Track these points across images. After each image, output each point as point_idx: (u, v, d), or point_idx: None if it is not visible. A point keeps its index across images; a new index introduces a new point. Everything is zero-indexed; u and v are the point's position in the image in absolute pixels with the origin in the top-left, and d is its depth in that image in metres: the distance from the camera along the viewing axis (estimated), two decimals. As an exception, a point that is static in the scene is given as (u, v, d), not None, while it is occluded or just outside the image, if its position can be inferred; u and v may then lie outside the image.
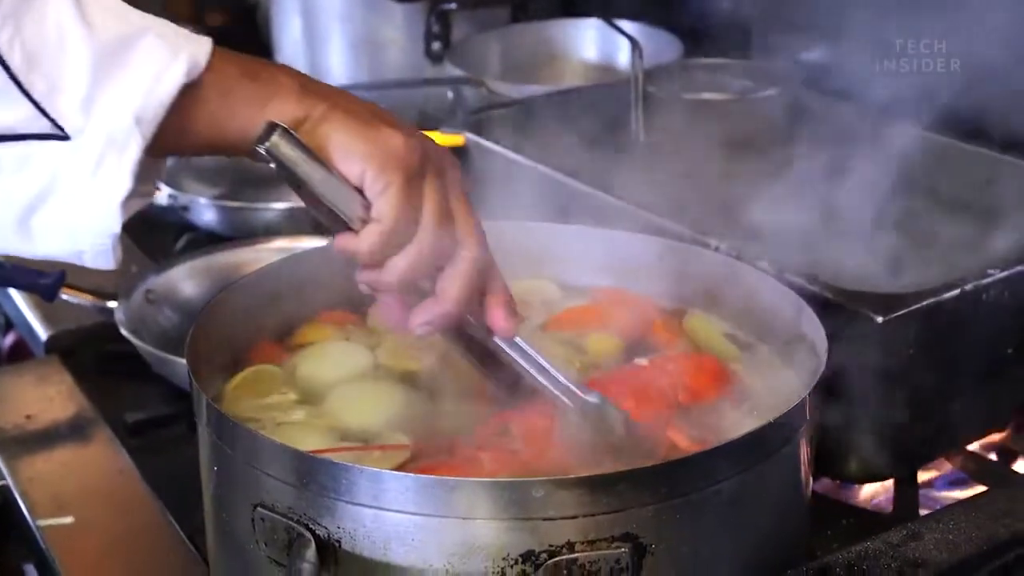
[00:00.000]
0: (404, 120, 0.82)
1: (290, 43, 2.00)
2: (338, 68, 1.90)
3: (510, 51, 1.88)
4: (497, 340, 0.84)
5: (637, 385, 0.90)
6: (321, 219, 0.80)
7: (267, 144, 0.76)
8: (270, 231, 1.50)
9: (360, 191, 0.78)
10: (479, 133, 1.36)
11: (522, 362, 0.85)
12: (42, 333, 1.37)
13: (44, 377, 1.29)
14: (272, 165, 0.77)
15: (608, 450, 0.82)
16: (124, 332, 1.25)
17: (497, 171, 1.31)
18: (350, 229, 0.79)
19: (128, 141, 0.74)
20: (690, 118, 1.36)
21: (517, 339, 0.84)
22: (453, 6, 1.84)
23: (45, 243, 0.78)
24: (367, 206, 0.78)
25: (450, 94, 1.71)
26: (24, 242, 0.77)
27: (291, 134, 0.76)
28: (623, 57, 1.78)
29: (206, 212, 1.56)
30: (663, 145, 1.36)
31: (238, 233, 1.53)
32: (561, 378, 0.85)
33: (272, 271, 1.01)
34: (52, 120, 0.74)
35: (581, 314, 1.01)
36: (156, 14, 2.34)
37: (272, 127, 0.76)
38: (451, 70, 1.75)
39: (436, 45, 1.82)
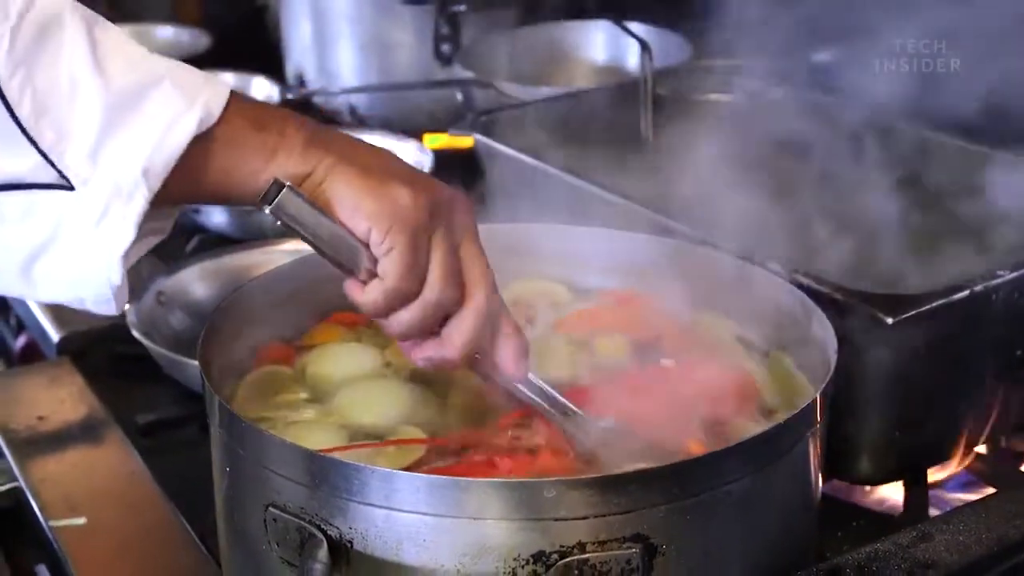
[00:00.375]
0: (414, 169, 0.82)
1: (299, 45, 2.01)
2: (347, 70, 1.91)
3: (519, 53, 1.89)
4: (506, 381, 0.85)
5: (660, 392, 0.90)
6: (331, 264, 0.80)
7: (272, 205, 0.75)
8: (279, 233, 1.51)
9: (367, 245, 0.78)
10: (488, 135, 1.36)
11: (534, 397, 0.86)
12: (54, 335, 1.37)
13: (56, 379, 1.30)
14: (278, 223, 0.77)
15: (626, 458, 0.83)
16: (136, 334, 1.25)
17: (506, 173, 1.31)
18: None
19: (134, 192, 0.73)
20: (699, 119, 1.36)
21: (530, 375, 0.85)
22: (462, 8, 1.85)
23: (47, 290, 0.77)
24: (374, 260, 0.78)
25: (459, 96, 1.72)
26: (26, 287, 0.77)
27: (296, 192, 0.76)
28: (632, 59, 1.78)
29: (216, 214, 1.57)
30: (672, 146, 1.36)
31: (248, 235, 1.53)
32: (571, 407, 0.86)
33: (282, 273, 1.01)
34: (59, 171, 0.72)
35: (591, 316, 1.01)
36: (164, 18, 2.35)
37: (278, 186, 0.75)
38: (460, 72, 1.75)
39: (445, 47, 1.83)
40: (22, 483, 1.13)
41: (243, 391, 0.93)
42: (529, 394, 0.86)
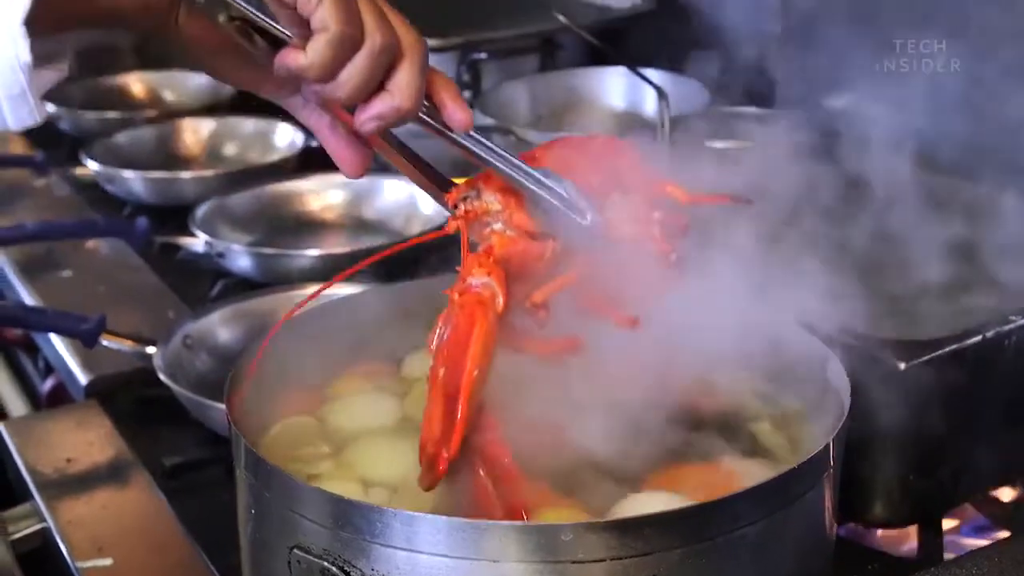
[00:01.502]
0: None
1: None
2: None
3: (538, 99, 1.92)
4: (455, 135, 0.82)
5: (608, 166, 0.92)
6: (261, 57, 0.78)
7: None
8: (304, 277, 1.54)
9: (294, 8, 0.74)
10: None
11: (481, 153, 0.83)
12: (82, 378, 1.40)
13: (84, 421, 1.32)
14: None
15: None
16: (162, 377, 1.28)
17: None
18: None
19: None
20: (716, 166, 1.38)
21: (472, 132, 0.83)
22: (483, 56, 1.88)
23: None
24: (305, 24, 0.75)
25: (480, 142, 1.74)
26: None
27: None
28: (650, 105, 1.81)
29: (241, 258, 1.60)
30: (688, 191, 1.38)
31: (272, 279, 1.56)
32: (522, 165, 0.85)
33: (307, 319, 1.03)
34: None
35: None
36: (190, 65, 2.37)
37: None
38: (480, 118, 1.78)
39: (466, 94, 1.86)
40: (50, 524, 1.16)
41: (267, 442, 0.95)
42: (476, 150, 0.83)
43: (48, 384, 1.60)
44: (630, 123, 1.83)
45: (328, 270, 1.55)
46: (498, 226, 0.86)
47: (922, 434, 1.01)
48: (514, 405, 0.96)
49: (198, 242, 1.63)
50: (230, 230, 1.71)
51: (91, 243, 1.76)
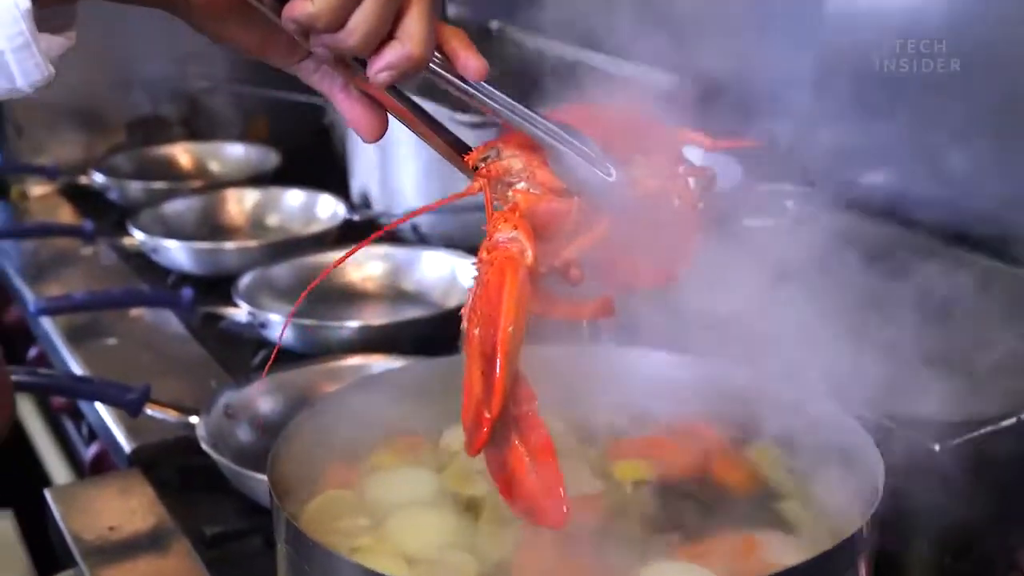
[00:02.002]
0: None
1: (364, 164, 2.08)
2: (411, 191, 1.97)
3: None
4: (468, 85, 0.79)
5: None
6: (268, 15, 0.75)
7: None
8: (343, 348, 1.56)
9: None
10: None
11: (499, 106, 0.81)
12: (126, 446, 1.42)
13: (127, 489, 1.35)
14: None
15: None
16: (204, 447, 1.30)
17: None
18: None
19: None
20: (749, 242, 1.40)
21: (487, 84, 0.80)
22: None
23: None
24: None
25: (518, 216, 1.76)
26: None
27: None
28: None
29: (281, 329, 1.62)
30: (722, 268, 1.39)
31: (313, 350, 1.58)
32: (537, 117, 0.82)
33: (348, 394, 1.06)
34: None
35: (642, 445, 1.04)
36: (236, 136, 2.45)
37: None
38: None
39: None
40: (93, 592, 1.17)
41: (307, 515, 0.96)
42: (489, 101, 0.80)
43: (92, 451, 1.63)
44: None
45: (367, 342, 1.57)
46: (521, 185, 0.83)
47: (957, 516, 1.01)
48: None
49: (241, 312, 1.66)
50: (272, 300, 1.74)
51: (136, 311, 1.80)
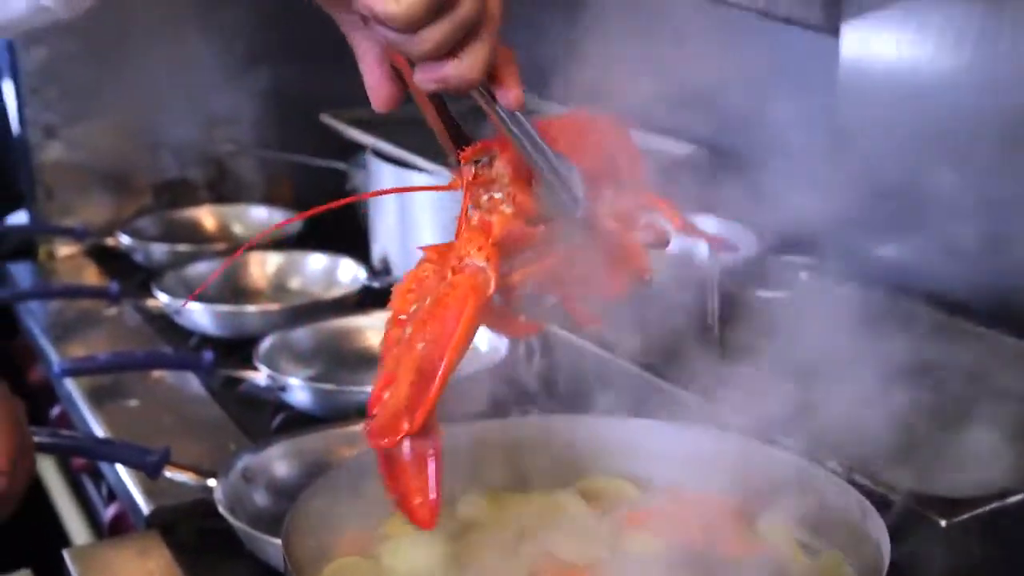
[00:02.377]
0: None
1: (385, 229, 2.11)
2: (430, 256, 2.00)
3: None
4: (498, 109, 0.80)
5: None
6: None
7: None
8: (361, 413, 1.57)
9: None
10: (561, 324, 1.43)
11: (514, 131, 0.81)
12: (145, 508, 1.44)
13: (144, 551, 1.36)
14: None
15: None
16: (221, 510, 1.31)
17: (575, 362, 1.37)
18: None
19: None
20: (765, 315, 1.42)
21: (518, 114, 0.81)
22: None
23: None
24: None
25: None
26: None
27: None
28: (703, 249, 1.85)
29: (301, 393, 1.64)
30: (738, 341, 1.41)
31: (330, 414, 1.60)
32: (546, 150, 0.83)
33: (363, 460, 1.07)
34: None
35: (652, 514, 1.06)
36: (259, 199, 2.48)
37: None
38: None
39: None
40: (109, 654, 1.19)
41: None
42: (515, 130, 0.81)
43: (111, 511, 1.64)
44: (681, 266, 1.87)
45: (385, 406, 1.58)
46: (499, 196, 0.84)
47: (965, 591, 1.01)
48: (562, 550, 0.99)
49: (260, 376, 1.68)
50: (291, 364, 1.76)
51: (158, 373, 1.83)
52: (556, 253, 0.89)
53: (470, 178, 0.84)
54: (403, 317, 0.84)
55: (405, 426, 0.78)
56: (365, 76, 0.84)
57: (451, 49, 0.76)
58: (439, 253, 0.87)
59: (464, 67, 0.77)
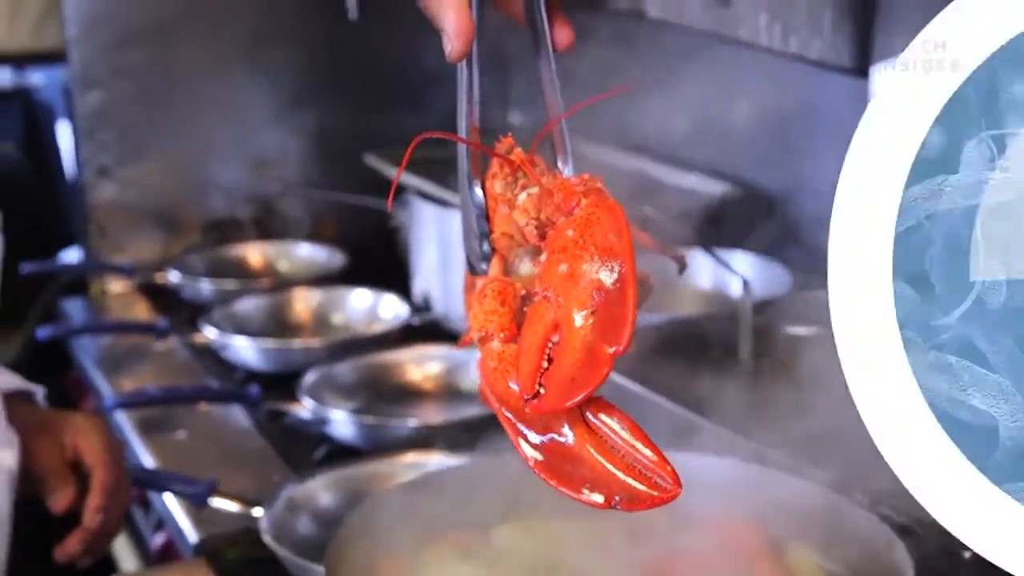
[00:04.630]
0: None
1: (426, 265, 2.16)
2: (470, 293, 2.04)
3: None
4: (547, 55, 0.84)
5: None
6: None
7: None
8: (401, 445, 1.62)
9: None
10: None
11: (552, 85, 0.85)
12: (192, 536, 1.48)
13: (192, 578, 1.41)
14: None
15: None
16: (266, 539, 1.36)
17: (606, 396, 1.40)
18: None
19: None
20: (796, 351, 1.45)
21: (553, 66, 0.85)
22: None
23: None
24: None
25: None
26: None
27: None
28: (736, 286, 1.88)
29: (343, 426, 1.69)
30: (769, 376, 1.44)
31: (372, 446, 1.64)
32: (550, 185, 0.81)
33: (403, 491, 1.11)
34: None
35: (685, 546, 1.08)
36: (304, 236, 2.54)
37: None
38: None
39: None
40: (157, 677, 1.23)
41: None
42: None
43: (159, 540, 1.69)
44: (714, 304, 1.90)
45: (424, 439, 1.63)
46: (532, 190, 0.82)
47: (989, 622, 1.03)
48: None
49: (304, 409, 1.73)
50: (335, 397, 1.81)
51: (205, 406, 1.88)
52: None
53: (519, 156, 0.83)
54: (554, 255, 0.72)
55: (608, 349, 0.66)
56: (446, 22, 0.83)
57: None
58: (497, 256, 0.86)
59: None
